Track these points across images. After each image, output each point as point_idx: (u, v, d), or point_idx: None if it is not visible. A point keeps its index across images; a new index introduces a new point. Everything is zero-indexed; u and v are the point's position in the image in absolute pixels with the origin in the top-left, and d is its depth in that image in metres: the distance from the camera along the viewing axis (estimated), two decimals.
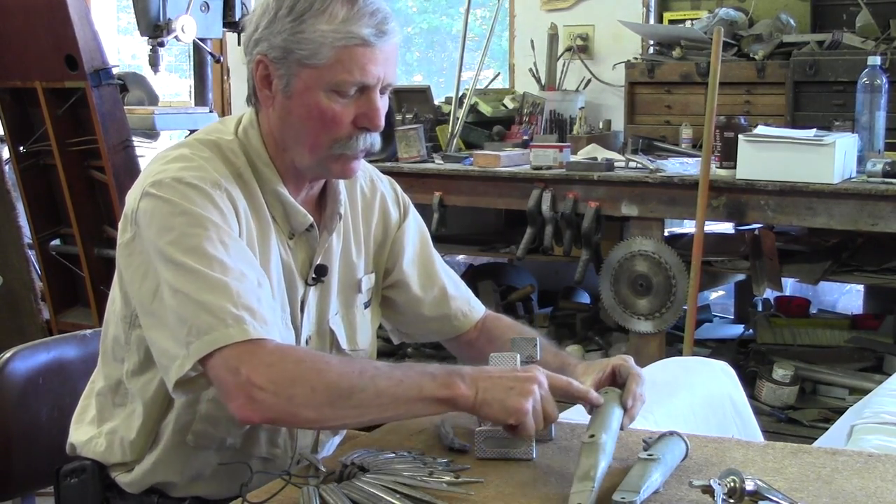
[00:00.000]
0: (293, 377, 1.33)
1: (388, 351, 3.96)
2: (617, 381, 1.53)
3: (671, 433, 1.43)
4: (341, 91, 1.46)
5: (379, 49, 1.46)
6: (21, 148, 3.67)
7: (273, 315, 1.43)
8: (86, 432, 1.61)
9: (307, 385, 1.33)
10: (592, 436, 1.35)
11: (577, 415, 1.82)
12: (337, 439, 1.72)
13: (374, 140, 1.53)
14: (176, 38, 3.88)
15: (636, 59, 4.04)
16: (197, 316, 1.35)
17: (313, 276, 1.59)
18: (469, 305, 1.77)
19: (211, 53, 4.23)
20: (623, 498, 1.23)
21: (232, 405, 1.34)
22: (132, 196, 1.48)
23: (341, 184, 1.63)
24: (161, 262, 1.40)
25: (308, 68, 1.45)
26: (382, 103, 1.51)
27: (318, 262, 1.59)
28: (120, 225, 1.50)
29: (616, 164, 3.49)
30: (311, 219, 1.57)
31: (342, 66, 1.45)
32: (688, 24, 4.07)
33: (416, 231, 1.76)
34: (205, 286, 1.37)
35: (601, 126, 4.11)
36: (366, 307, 1.70)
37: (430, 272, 1.75)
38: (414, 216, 1.77)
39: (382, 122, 1.51)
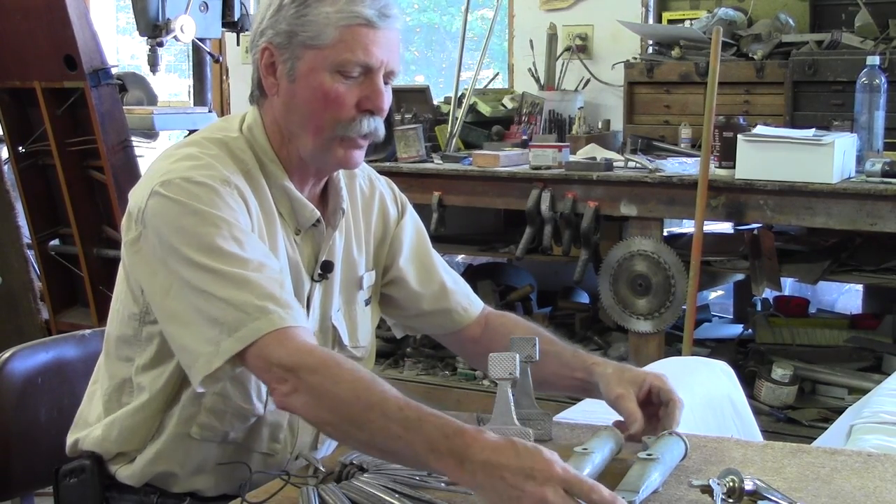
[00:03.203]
0: (308, 382, 1.32)
1: (388, 351, 3.96)
2: (652, 401, 1.52)
3: (670, 433, 1.43)
4: (345, 72, 1.48)
5: (381, 32, 1.49)
6: (20, 148, 3.67)
7: (295, 299, 1.44)
8: (87, 430, 1.61)
9: (315, 393, 1.32)
10: (585, 449, 1.35)
11: (577, 414, 1.82)
12: None
13: (378, 125, 1.53)
14: (175, 38, 3.87)
15: (635, 58, 4.04)
16: (224, 313, 1.37)
17: (319, 272, 1.60)
18: (469, 300, 1.77)
19: (210, 53, 4.23)
20: (622, 498, 1.23)
21: (272, 394, 1.37)
22: (139, 194, 1.48)
23: (342, 181, 1.64)
24: (177, 263, 1.41)
25: (312, 50, 1.47)
26: (386, 91, 1.52)
27: (323, 259, 1.60)
28: (124, 223, 1.50)
29: (615, 163, 3.49)
30: (317, 213, 1.58)
31: (346, 45, 1.47)
32: (687, 23, 4.07)
33: (413, 228, 1.77)
34: (226, 283, 1.38)
35: (600, 126, 4.11)
36: (366, 304, 1.71)
37: (429, 268, 1.75)
38: (411, 214, 1.78)
39: (386, 106, 1.52)
